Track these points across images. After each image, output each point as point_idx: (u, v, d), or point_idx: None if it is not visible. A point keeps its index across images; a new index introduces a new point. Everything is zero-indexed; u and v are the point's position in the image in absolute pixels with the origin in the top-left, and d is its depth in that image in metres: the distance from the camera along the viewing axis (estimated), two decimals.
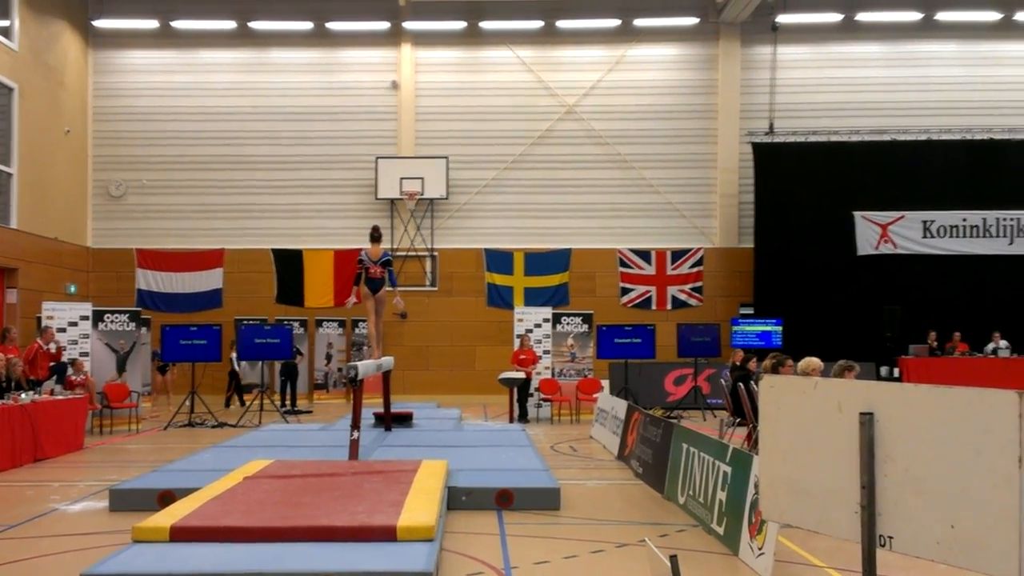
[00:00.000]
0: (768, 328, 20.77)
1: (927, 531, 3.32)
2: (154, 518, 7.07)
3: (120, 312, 18.51)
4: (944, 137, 22.74)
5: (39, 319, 17.20)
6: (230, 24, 23.62)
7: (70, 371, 15.90)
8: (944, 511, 3.25)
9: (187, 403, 17.44)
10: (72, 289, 22.06)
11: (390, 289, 13.17)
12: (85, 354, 16.92)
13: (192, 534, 6.67)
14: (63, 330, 16.75)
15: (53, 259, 21.43)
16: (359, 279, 12.63)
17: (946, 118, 23.14)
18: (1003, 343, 20.42)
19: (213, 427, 16.82)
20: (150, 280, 23.26)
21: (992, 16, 23.58)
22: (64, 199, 22.23)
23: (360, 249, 13.34)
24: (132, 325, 18.30)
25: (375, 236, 12.78)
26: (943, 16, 23.50)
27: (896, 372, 19.65)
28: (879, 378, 19.16)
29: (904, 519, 3.40)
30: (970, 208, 22.46)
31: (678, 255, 23.54)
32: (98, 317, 17.78)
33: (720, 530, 7.48)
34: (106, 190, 23.52)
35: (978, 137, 22.71)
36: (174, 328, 18.14)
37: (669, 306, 23.48)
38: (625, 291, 23.58)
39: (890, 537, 3.45)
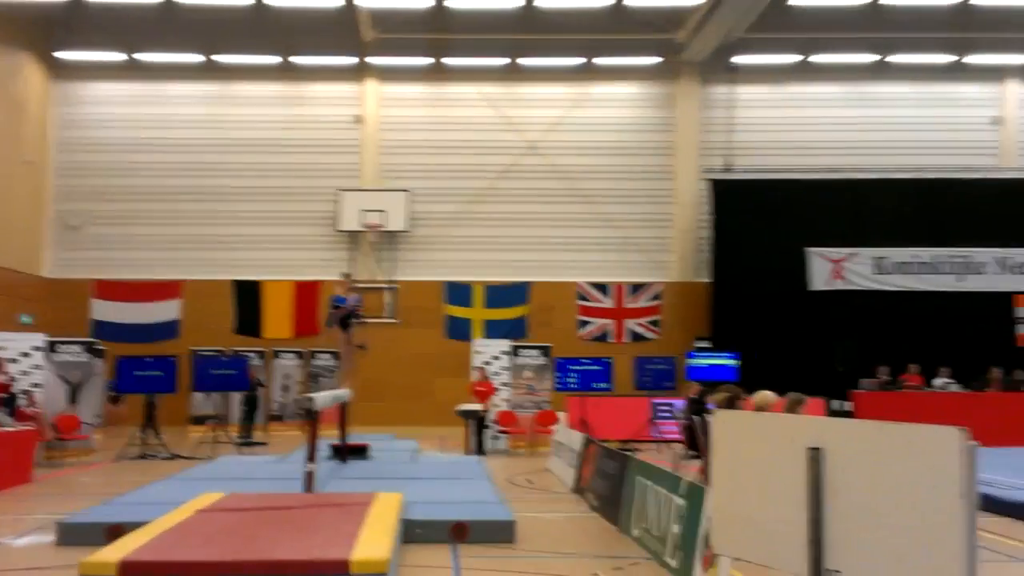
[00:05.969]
0: (724, 362, 20.92)
1: (875, 565, 3.35)
2: (102, 553, 6.93)
3: (74, 343, 18.19)
4: (897, 176, 23.20)
5: None
6: (196, 57, 23.55)
7: (21, 402, 15.58)
8: (891, 545, 3.29)
9: (139, 434, 17.16)
10: (26, 320, 21.67)
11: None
12: (37, 385, 16.58)
13: (141, 569, 6.54)
14: (14, 361, 16.42)
15: (7, 289, 21.08)
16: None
17: (899, 157, 23.63)
18: (948, 380, 20.60)
19: (166, 459, 16.54)
20: (107, 310, 22.95)
21: (944, 59, 24.19)
22: (21, 229, 21.93)
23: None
24: (86, 356, 17.99)
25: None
26: (896, 59, 24.07)
27: (847, 406, 19.82)
28: (831, 412, 19.35)
29: (852, 553, 3.43)
30: (921, 245, 22.88)
31: (636, 289, 23.71)
32: (51, 347, 17.47)
33: (674, 563, 7.49)
34: (65, 221, 23.22)
35: (929, 176, 23.20)
36: (128, 359, 17.84)
37: (627, 339, 23.60)
38: (583, 324, 23.68)
39: (837, 572, 3.48)
